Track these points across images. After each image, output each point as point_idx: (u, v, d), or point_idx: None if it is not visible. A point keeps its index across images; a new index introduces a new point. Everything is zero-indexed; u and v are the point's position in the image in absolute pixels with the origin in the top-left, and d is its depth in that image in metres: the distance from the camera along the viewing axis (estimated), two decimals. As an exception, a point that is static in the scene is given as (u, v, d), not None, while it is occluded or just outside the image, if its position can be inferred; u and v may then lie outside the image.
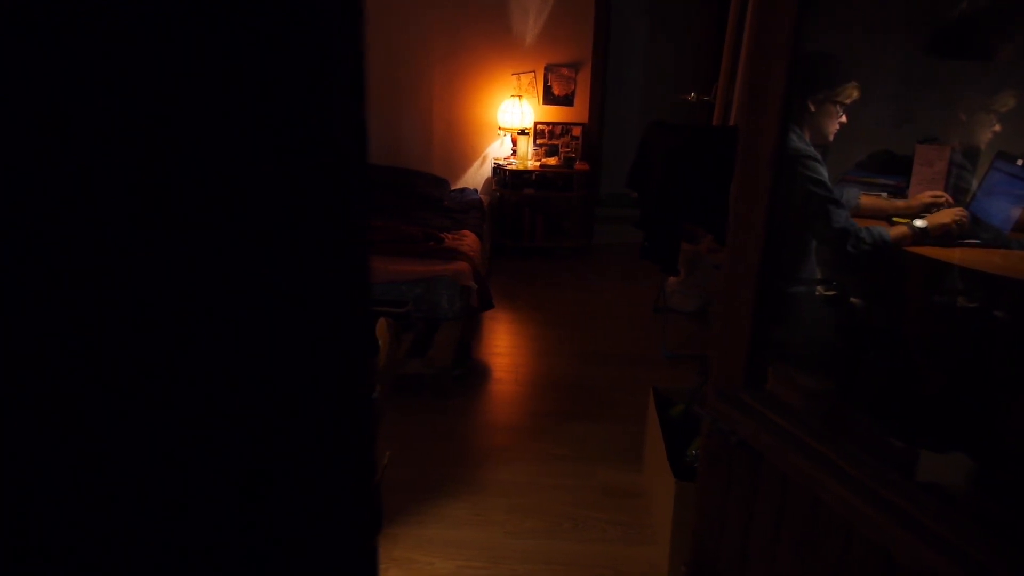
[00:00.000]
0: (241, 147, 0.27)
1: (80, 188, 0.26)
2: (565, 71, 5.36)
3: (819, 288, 2.16)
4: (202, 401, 0.30)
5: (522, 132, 5.28)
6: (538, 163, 5.32)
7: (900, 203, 2.18)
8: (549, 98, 5.41)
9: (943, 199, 1.96)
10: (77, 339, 0.24)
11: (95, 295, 0.26)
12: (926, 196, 1.99)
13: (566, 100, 5.42)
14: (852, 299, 2.15)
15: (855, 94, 1.91)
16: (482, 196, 5.38)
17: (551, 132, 5.45)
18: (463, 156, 5.60)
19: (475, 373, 3.52)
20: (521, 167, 5.29)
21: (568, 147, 5.44)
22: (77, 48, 0.23)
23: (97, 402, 0.27)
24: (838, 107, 1.93)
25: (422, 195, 4.90)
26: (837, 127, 1.98)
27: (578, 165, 5.34)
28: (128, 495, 0.29)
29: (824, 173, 1.93)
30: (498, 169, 5.38)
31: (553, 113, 5.45)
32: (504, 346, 3.93)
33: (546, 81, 5.38)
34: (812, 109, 1.92)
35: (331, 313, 0.31)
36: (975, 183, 1.98)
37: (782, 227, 1.28)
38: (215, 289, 0.28)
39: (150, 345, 0.28)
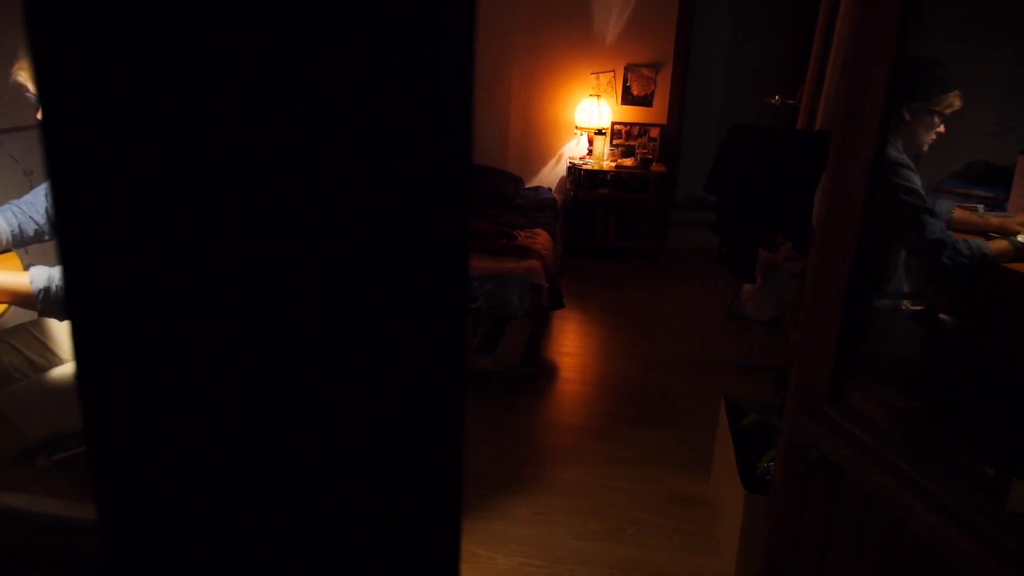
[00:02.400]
0: (360, 145, 0.28)
1: (206, 188, 0.27)
2: (645, 71, 5.30)
3: (906, 302, 2.08)
4: (317, 392, 0.31)
5: (599, 132, 5.24)
6: (614, 163, 5.28)
7: (995, 220, 2.08)
8: (628, 98, 5.36)
9: None
10: (223, 332, 0.25)
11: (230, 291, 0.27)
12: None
13: (645, 100, 5.36)
14: (941, 315, 2.06)
15: (956, 103, 1.82)
16: (556, 195, 5.37)
17: (628, 133, 5.40)
18: (538, 154, 5.61)
19: (543, 372, 3.52)
20: (596, 167, 5.26)
21: (645, 148, 5.38)
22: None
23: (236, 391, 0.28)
24: (936, 117, 1.84)
25: (496, 192, 4.93)
26: (933, 137, 1.89)
27: (655, 167, 5.27)
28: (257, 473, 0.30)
29: (917, 182, 1.85)
30: (573, 168, 5.36)
31: (631, 113, 5.40)
32: (572, 346, 3.92)
33: (625, 81, 5.33)
34: (907, 118, 1.84)
35: (434, 308, 0.31)
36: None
37: (870, 238, 1.23)
38: (330, 285, 0.29)
39: (274, 340, 0.29)
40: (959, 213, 2.11)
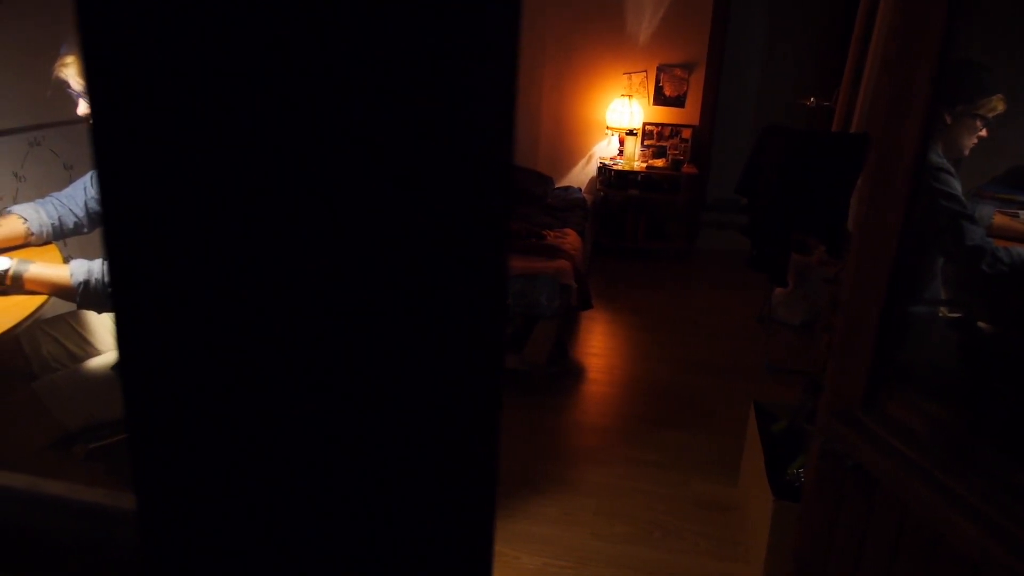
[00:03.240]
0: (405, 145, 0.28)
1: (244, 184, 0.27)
2: (678, 71, 5.26)
3: (943, 309, 2.04)
4: (356, 389, 0.31)
5: (630, 132, 5.22)
6: (644, 164, 5.25)
7: (1038, 227, 2.03)
8: (660, 99, 5.32)
9: None
10: (250, 332, 0.26)
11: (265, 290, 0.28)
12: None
13: (677, 101, 5.31)
14: (980, 323, 2.01)
15: (1000, 107, 1.77)
16: (586, 195, 5.35)
17: (660, 133, 5.37)
18: (569, 154, 5.59)
19: (570, 372, 3.51)
20: (627, 168, 5.23)
21: (676, 149, 5.34)
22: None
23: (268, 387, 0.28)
24: (979, 121, 1.80)
25: (526, 192, 4.92)
26: (975, 141, 1.85)
27: (686, 168, 5.23)
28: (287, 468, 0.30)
29: (958, 187, 1.81)
30: (603, 169, 5.34)
31: (663, 114, 5.36)
32: (600, 347, 3.90)
33: (658, 81, 5.29)
34: (948, 121, 1.80)
35: (474, 309, 0.31)
36: None
37: (909, 243, 1.21)
38: (371, 284, 0.29)
39: (308, 337, 0.29)
40: (1000, 219, 2.06)
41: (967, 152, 1.88)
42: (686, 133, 5.34)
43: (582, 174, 5.61)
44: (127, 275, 0.29)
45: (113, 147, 0.27)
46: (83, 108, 1.69)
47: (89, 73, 0.26)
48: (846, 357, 1.18)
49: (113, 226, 0.28)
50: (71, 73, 1.66)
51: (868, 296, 1.14)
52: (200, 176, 0.28)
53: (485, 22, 0.29)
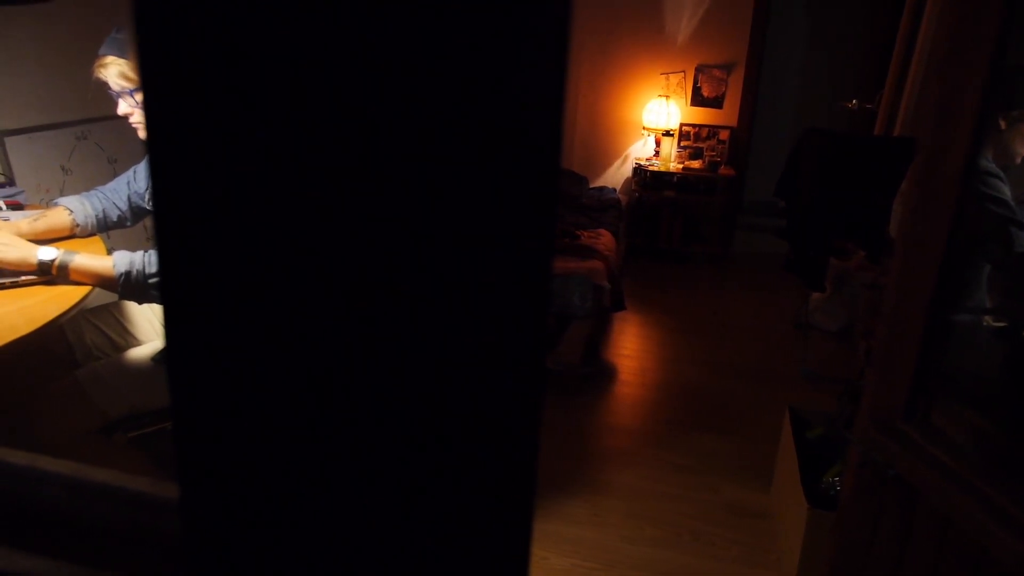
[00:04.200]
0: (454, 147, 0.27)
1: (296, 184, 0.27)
2: (717, 72, 5.20)
3: (987, 318, 1.99)
4: (401, 388, 0.31)
5: (667, 133, 5.17)
6: (681, 165, 5.20)
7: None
8: (697, 99, 5.27)
9: None
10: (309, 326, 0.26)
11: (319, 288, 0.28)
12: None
13: (715, 102, 5.26)
14: (1026, 333, 1.96)
15: (1057, 114, 1.73)
16: (621, 196, 5.32)
17: (697, 135, 5.31)
18: (604, 155, 5.57)
19: (602, 373, 3.50)
20: (663, 168, 5.19)
21: (713, 151, 5.28)
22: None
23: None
24: (1034, 129, 1.75)
25: (561, 191, 4.91)
26: (1029, 149, 1.80)
27: (723, 170, 5.17)
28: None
29: (1008, 193, 1.76)
30: (639, 169, 5.30)
31: (700, 115, 5.31)
32: (633, 349, 3.88)
33: (696, 82, 5.24)
34: (1003, 127, 1.75)
35: (518, 310, 0.31)
36: None
37: (956, 250, 1.18)
38: (421, 281, 0.29)
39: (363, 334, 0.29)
40: (1051, 227, 2.00)
41: (1019, 160, 1.83)
42: (723, 135, 5.28)
43: (617, 174, 5.58)
44: (176, 266, 0.30)
45: (165, 142, 0.27)
46: (123, 108, 1.72)
47: (143, 66, 0.26)
48: (887, 365, 1.16)
49: (163, 218, 0.29)
50: (110, 74, 1.69)
51: (912, 303, 1.12)
52: (252, 170, 0.28)
53: (537, 24, 0.28)
